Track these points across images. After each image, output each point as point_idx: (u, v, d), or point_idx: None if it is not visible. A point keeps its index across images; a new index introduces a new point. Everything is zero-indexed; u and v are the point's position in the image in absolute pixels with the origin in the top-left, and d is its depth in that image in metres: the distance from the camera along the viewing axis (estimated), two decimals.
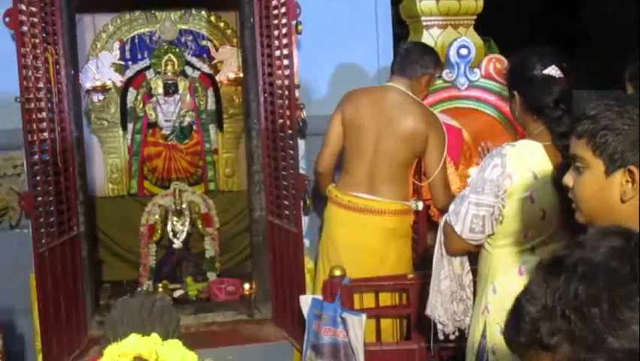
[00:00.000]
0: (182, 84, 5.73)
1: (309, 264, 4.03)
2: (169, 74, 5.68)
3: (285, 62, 3.98)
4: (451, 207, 2.45)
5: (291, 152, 3.96)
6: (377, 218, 3.41)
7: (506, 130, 4.25)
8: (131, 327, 1.64)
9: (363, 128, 3.38)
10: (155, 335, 1.61)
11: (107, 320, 1.71)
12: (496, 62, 4.24)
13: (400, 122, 3.36)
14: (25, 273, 3.92)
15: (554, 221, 2.34)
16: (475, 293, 2.60)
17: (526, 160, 2.36)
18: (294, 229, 3.96)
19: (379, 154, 3.37)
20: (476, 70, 4.24)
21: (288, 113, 3.96)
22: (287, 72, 3.97)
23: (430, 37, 4.69)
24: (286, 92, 3.98)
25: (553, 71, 2.37)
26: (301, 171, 3.98)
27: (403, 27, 5.11)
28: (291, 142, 3.96)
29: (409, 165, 3.49)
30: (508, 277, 2.37)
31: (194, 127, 5.74)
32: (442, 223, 2.52)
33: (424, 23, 4.71)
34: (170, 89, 5.65)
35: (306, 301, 3.45)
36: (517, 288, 2.26)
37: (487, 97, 4.29)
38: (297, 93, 3.93)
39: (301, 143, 4.03)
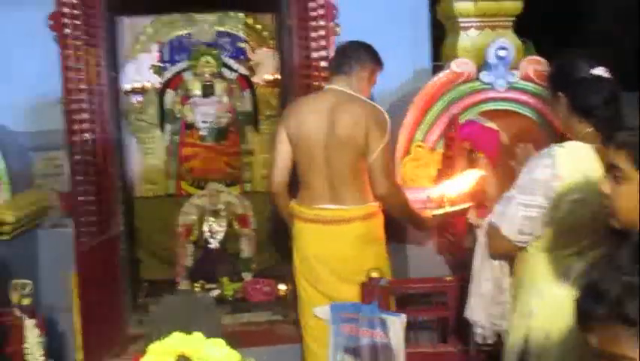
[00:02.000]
0: (219, 86, 5.78)
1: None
2: (206, 75, 5.73)
3: (323, 63, 3.99)
4: (497, 209, 2.42)
5: None
6: (347, 227, 3.26)
7: (545, 133, 4.21)
8: (174, 325, 1.65)
9: (309, 138, 3.24)
10: (198, 334, 1.63)
11: (150, 317, 1.74)
12: (535, 64, 4.20)
13: (340, 124, 3.23)
14: (66, 271, 3.98)
15: (602, 224, 2.31)
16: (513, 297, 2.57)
17: (576, 162, 2.33)
18: None
19: (331, 161, 3.23)
20: (515, 72, 4.21)
21: None
22: (324, 74, 3.97)
23: (468, 38, 4.65)
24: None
25: (601, 71, 2.35)
26: None
27: (439, 29, 5.08)
28: None
29: (364, 165, 3.28)
30: (554, 283, 2.33)
31: (231, 128, 5.78)
32: (485, 225, 2.50)
33: (462, 25, 4.67)
34: (208, 91, 5.71)
35: (321, 311, 3.33)
36: (564, 294, 2.25)
37: (525, 99, 4.24)
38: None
39: None
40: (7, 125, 4.56)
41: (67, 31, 3.89)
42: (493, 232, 2.43)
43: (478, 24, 4.64)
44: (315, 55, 4.05)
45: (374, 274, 3.28)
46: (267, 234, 5.50)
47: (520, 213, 2.33)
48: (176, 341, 1.60)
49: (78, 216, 3.88)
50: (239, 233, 5.27)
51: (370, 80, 3.50)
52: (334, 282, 3.28)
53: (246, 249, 5.26)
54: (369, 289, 3.21)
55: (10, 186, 4.15)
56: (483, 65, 4.26)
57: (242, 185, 5.72)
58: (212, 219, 5.21)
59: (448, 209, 3.56)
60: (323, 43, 3.99)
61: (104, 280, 4.10)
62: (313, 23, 4.04)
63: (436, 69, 4.93)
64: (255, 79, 5.80)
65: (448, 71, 4.26)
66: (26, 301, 3.11)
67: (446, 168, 4.12)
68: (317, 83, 4.02)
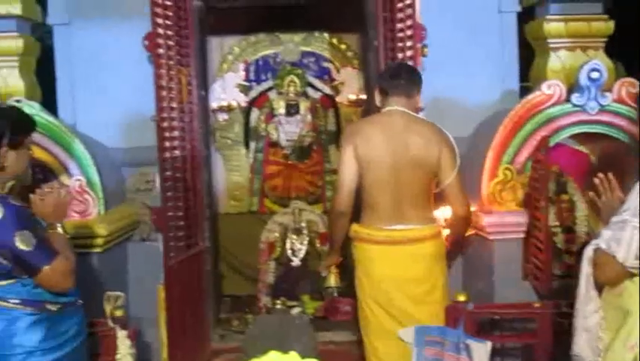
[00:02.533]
0: (304, 105, 5.84)
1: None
2: (291, 94, 5.80)
3: None
4: (607, 234, 2.34)
5: None
6: (418, 246, 3.25)
7: (637, 155, 4.09)
8: (271, 344, 1.68)
9: (380, 160, 3.22)
10: (293, 353, 1.64)
11: (246, 336, 1.77)
12: (629, 86, 4.09)
13: (412, 146, 3.22)
14: (153, 284, 4.08)
15: None
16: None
17: None
18: None
19: (402, 182, 3.22)
20: (608, 94, 4.11)
21: None
22: None
23: (558, 59, 4.59)
24: None
25: None
26: None
27: (528, 49, 5.01)
28: None
29: (431, 185, 3.33)
30: None
31: (314, 147, 5.83)
32: (589, 254, 2.41)
33: (551, 45, 4.61)
34: (292, 110, 5.78)
35: (406, 333, 3.29)
36: None
37: (618, 122, 4.14)
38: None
39: None
40: (102, 141, 4.75)
41: (161, 51, 4.00)
42: (605, 259, 2.33)
43: (569, 45, 4.57)
44: None
45: (460, 298, 3.24)
46: (349, 253, 5.49)
47: (637, 237, 2.26)
48: (273, 359, 1.62)
49: (167, 231, 3.97)
50: (320, 251, 5.29)
51: (418, 101, 3.49)
52: (408, 305, 3.26)
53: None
54: (456, 313, 3.18)
55: (103, 200, 4.31)
56: (574, 87, 4.18)
57: (324, 203, 5.75)
58: (294, 237, 5.25)
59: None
60: (410, 64, 3.98)
61: (190, 295, 4.18)
62: (400, 44, 4.03)
63: (524, 90, 4.88)
64: (338, 98, 5.84)
65: (537, 93, 4.20)
66: (119, 313, 3.19)
67: (534, 191, 4.05)
68: None
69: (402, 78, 3.36)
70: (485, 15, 4.80)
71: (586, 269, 2.41)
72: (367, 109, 4.53)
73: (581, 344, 2.46)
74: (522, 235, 4.12)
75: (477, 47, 4.76)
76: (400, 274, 3.24)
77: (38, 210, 2.54)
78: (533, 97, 4.22)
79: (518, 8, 4.88)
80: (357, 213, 3.38)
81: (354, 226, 3.34)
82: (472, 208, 3.62)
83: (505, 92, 4.85)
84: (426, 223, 3.27)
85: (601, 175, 2.61)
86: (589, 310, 2.42)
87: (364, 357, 3.48)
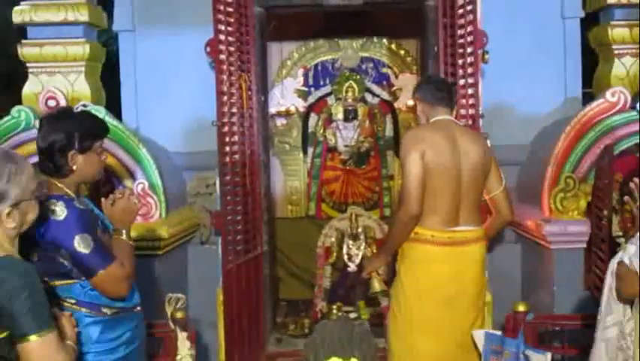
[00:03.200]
0: (362, 110, 5.85)
1: (487, 296, 3.93)
2: (349, 100, 5.82)
3: (470, 90, 3.96)
4: (632, 249, 2.29)
5: None
6: (476, 247, 3.40)
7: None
8: (332, 351, 1.69)
9: (445, 166, 3.33)
10: (354, 360, 1.66)
11: (308, 341, 1.79)
12: None
13: (472, 153, 3.39)
14: (212, 287, 4.15)
15: None
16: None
17: None
18: None
19: (463, 187, 3.36)
20: None
21: None
22: (471, 101, 3.94)
23: (622, 66, 4.50)
24: (469, 122, 3.95)
25: None
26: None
27: (591, 55, 4.93)
28: None
29: (483, 190, 3.50)
30: None
31: (372, 153, 5.83)
32: (613, 267, 2.36)
33: (616, 52, 4.52)
34: (350, 115, 5.80)
35: (478, 336, 3.34)
36: None
37: None
38: (480, 122, 3.89)
39: None
40: (164, 145, 4.84)
41: (222, 57, 4.06)
42: (628, 273, 2.29)
43: (634, 51, 4.47)
44: (461, 82, 4.02)
45: (520, 308, 3.21)
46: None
47: None
48: None
49: (226, 235, 4.03)
50: None
51: None
52: (463, 305, 3.36)
53: (384, 274, 5.25)
54: (515, 323, 3.14)
55: (165, 203, 4.39)
56: (638, 95, 4.10)
57: (381, 209, 5.75)
58: (351, 242, 5.26)
59: None
60: (470, 70, 3.96)
61: (247, 298, 4.22)
62: (460, 50, 4.02)
63: (587, 97, 4.79)
64: (397, 104, 5.83)
65: (601, 100, 4.13)
66: (179, 315, 3.25)
67: (597, 200, 3.97)
68: (463, 111, 3.99)
69: (446, 90, 3.52)
70: (548, 21, 4.74)
71: (609, 281, 2.38)
72: None
73: (598, 355, 2.42)
74: (584, 245, 4.05)
75: (539, 53, 4.70)
76: (462, 273, 3.36)
77: (107, 213, 2.60)
78: (597, 104, 4.14)
79: (582, 14, 4.81)
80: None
81: (416, 228, 3.37)
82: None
83: (568, 99, 4.77)
84: (477, 225, 3.42)
85: (637, 180, 2.55)
86: (609, 321, 2.38)
87: None
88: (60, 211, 2.42)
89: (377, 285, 4.44)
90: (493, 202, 3.54)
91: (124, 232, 2.59)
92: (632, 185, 2.57)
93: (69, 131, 2.52)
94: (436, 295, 3.35)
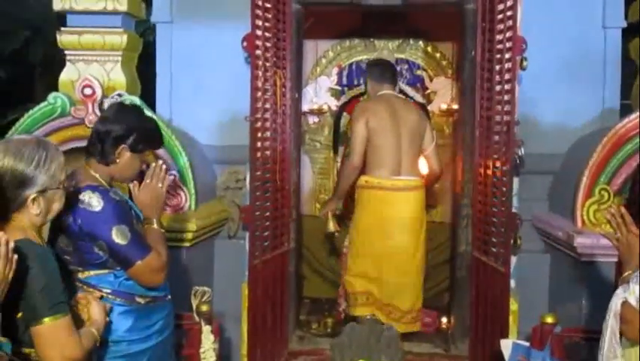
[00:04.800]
0: None
1: (513, 305, 3.92)
2: None
3: (506, 97, 3.90)
4: (637, 290, 2.19)
5: (504, 189, 3.88)
6: (415, 193, 4.41)
7: None
8: (359, 353, 1.68)
9: (386, 129, 4.37)
10: None
11: (335, 343, 1.77)
12: None
13: (409, 120, 4.45)
14: (238, 281, 4.15)
15: None
16: None
17: None
18: (501, 268, 3.86)
19: (403, 145, 4.38)
20: None
21: (504, 149, 3.88)
22: (507, 108, 3.89)
23: None
24: (504, 128, 3.90)
25: None
26: (513, 210, 3.88)
27: (630, 67, 4.85)
28: (504, 179, 3.87)
29: (420, 149, 4.51)
30: None
31: None
32: (616, 308, 2.24)
33: None
34: None
35: (506, 346, 3.34)
36: None
37: None
38: (515, 130, 3.85)
39: (515, 180, 3.93)
40: (196, 138, 4.86)
41: (258, 52, 4.06)
42: (634, 315, 2.17)
43: None
44: (497, 88, 3.97)
45: (548, 320, 3.16)
46: (432, 263, 5.44)
47: None
48: None
49: (254, 230, 4.03)
50: None
51: None
52: (404, 239, 4.34)
53: None
54: (543, 335, 3.10)
55: (195, 196, 4.40)
56: None
57: None
58: None
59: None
60: (507, 77, 3.90)
61: (272, 294, 4.22)
62: (498, 55, 3.96)
63: (625, 109, 4.72)
64: (430, 107, 5.78)
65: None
66: (205, 308, 3.26)
67: (631, 214, 3.90)
68: (498, 118, 3.94)
69: (390, 71, 4.66)
70: (589, 30, 4.67)
71: (611, 322, 2.26)
72: (461, 119, 4.46)
73: None
74: (616, 259, 3.98)
75: (578, 63, 4.63)
76: (403, 213, 4.35)
77: (137, 202, 2.61)
78: (635, 117, 4.07)
79: (624, 24, 4.73)
80: None
81: (365, 177, 4.40)
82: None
83: (606, 110, 4.71)
84: (416, 176, 4.46)
85: (612, 210, 2.46)
86: None
87: None
88: (96, 202, 2.44)
89: (332, 226, 4.81)
90: (426, 159, 4.59)
91: (155, 220, 2.60)
92: (607, 215, 2.49)
93: (131, 126, 2.55)
94: (382, 229, 4.31)
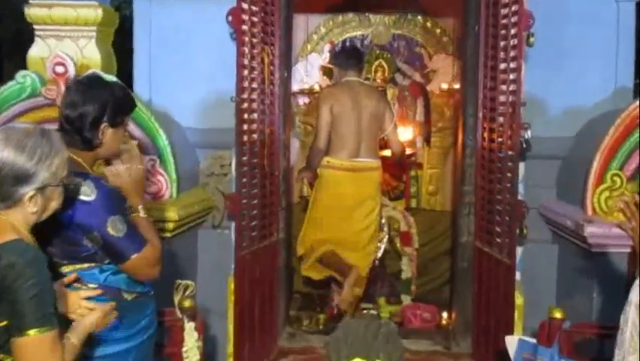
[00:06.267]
0: (391, 92, 5.82)
1: (518, 299, 3.93)
2: (378, 80, 5.78)
3: (511, 76, 3.89)
4: None
5: (509, 175, 3.88)
6: (373, 174, 4.93)
7: None
8: (356, 350, 1.67)
9: (348, 115, 4.84)
10: None
11: (330, 339, 1.76)
12: None
13: (369, 105, 4.89)
14: (223, 274, 4.15)
15: None
16: None
17: None
18: (505, 259, 3.87)
19: (362, 130, 4.88)
20: None
21: (509, 132, 3.87)
22: (512, 87, 3.89)
23: None
24: (509, 110, 3.90)
25: None
26: (519, 197, 3.89)
27: None
28: (510, 164, 3.87)
29: (378, 133, 4.99)
30: None
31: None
32: (636, 299, 2.23)
33: None
34: None
35: (511, 342, 3.33)
36: None
37: None
38: (521, 111, 3.84)
39: (521, 166, 3.94)
40: (177, 120, 4.83)
41: (244, 27, 4.02)
42: None
43: None
44: (502, 66, 3.96)
45: (556, 315, 3.17)
46: (431, 255, 5.46)
47: None
48: None
49: (240, 219, 4.02)
50: (400, 252, 5.26)
51: None
52: (358, 215, 4.90)
53: (407, 269, 5.23)
54: (551, 331, 3.10)
55: (176, 183, 4.39)
56: None
57: (407, 200, 5.72)
58: None
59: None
60: (513, 54, 3.89)
61: (261, 288, 4.22)
62: (503, 31, 3.95)
63: (639, 88, 4.72)
64: (429, 87, 5.79)
65: None
66: (188, 303, 3.23)
67: None
68: (503, 98, 3.93)
69: (355, 57, 5.01)
70: (600, 4, 4.66)
71: (632, 315, 2.23)
72: (462, 100, 4.45)
73: None
74: (629, 249, 3.99)
75: (589, 39, 4.63)
76: (359, 191, 4.90)
77: (118, 186, 2.57)
78: None
79: None
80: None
81: (327, 158, 4.89)
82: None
83: (618, 89, 4.70)
84: (374, 158, 4.95)
85: (626, 198, 2.45)
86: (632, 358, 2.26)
87: None
88: (89, 191, 2.38)
89: (306, 190, 5.46)
90: (387, 140, 5.11)
91: (140, 208, 2.58)
92: (620, 204, 2.49)
93: (104, 101, 2.48)
94: (339, 206, 4.87)
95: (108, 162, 2.65)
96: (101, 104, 2.47)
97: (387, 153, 5.36)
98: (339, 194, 4.93)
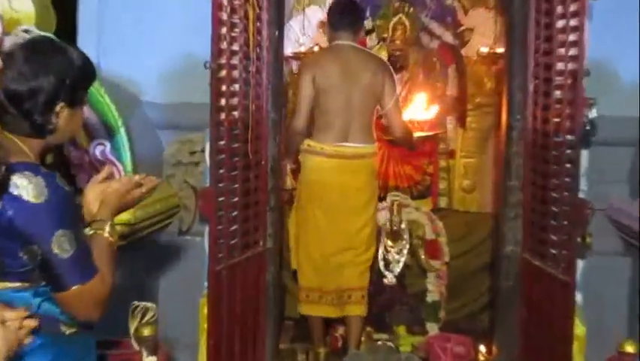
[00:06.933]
0: (414, 57, 5.82)
1: (579, 328, 3.95)
2: (397, 42, 5.79)
3: (571, 37, 3.91)
4: None
5: (568, 166, 3.90)
6: (364, 161, 5.00)
7: None
8: None
9: (335, 88, 4.91)
10: None
11: None
12: None
13: (362, 76, 4.94)
14: (194, 295, 4.16)
15: None
16: None
17: None
18: (563, 276, 3.88)
19: (352, 108, 4.93)
20: None
21: (568, 110, 3.89)
22: (572, 52, 3.90)
23: None
24: (569, 81, 3.91)
25: None
26: (581, 195, 3.90)
27: None
28: (569, 151, 3.89)
29: (374, 111, 5.07)
30: None
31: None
32: None
33: None
34: (397, 64, 5.76)
35: None
36: None
37: None
38: (584, 83, 3.85)
39: (583, 154, 3.96)
40: (134, 92, 4.84)
41: None
42: None
43: None
44: (560, 24, 3.98)
45: (628, 349, 3.20)
46: (466, 270, 5.47)
47: None
48: None
49: (216, 223, 4.03)
50: (425, 266, 5.28)
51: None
52: (348, 214, 4.96)
53: (434, 290, 5.25)
54: None
55: (132, 174, 4.39)
56: None
57: (435, 199, 5.74)
58: (389, 243, 5.25)
59: (419, 134, 5.63)
60: (573, 8, 3.91)
61: (243, 312, 4.23)
62: None
63: None
64: (464, 51, 5.80)
65: None
66: (147, 332, 3.24)
67: None
68: (561, 65, 3.95)
69: (349, 14, 5.01)
70: None
71: None
72: (507, 68, 4.46)
73: None
74: None
75: None
76: (346, 183, 4.94)
77: (86, 191, 2.59)
78: None
79: None
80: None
81: (308, 141, 4.98)
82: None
83: None
84: (368, 143, 5.01)
85: None
86: None
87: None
88: (37, 191, 2.34)
89: (288, 181, 5.63)
90: (385, 119, 5.15)
91: (108, 226, 2.56)
92: None
93: (60, 73, 2.43)
94: (322, 201, 4.94)
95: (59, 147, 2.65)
96: (57, 78, 2.44)
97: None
98: (323, 187, 4.98)
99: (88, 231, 2.52)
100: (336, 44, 5.02)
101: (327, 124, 4.95)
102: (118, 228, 3.49)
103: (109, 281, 2.47)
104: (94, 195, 2.59)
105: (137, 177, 2.66)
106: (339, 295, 4.95)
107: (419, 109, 5.82)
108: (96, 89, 4.35)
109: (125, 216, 4.23)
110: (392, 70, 5.15)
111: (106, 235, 2.52)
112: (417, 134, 5.58)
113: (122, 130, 4.41)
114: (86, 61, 2.54)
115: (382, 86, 4.98)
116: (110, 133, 4.39)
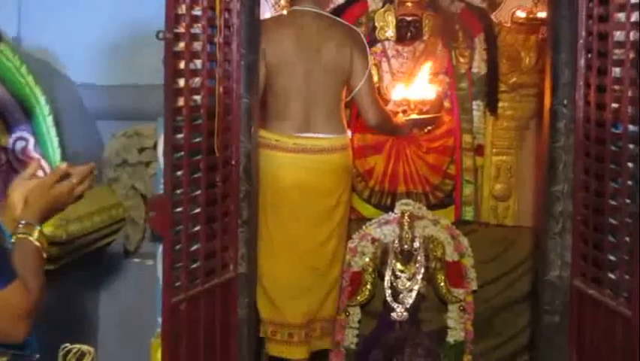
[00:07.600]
0: (429, 24, 5.84)
1: None
2: (408, 4, 5.81)
3: None
4: None
5: (631, 165, 3.91)
6: (332, 156, 5.13)
7: None
8: None
9: (289, 65, 5.08)
10: None
11: None
12: None
13: (324, 51, 5.09)
14: (143, 334, 4.17)
15: None
16: None
17: None
18: (625, 309, 3.90)
19: (313, 90, 5.09)
20: None
21: (630, 93, 3.90)
22: (635, 17, 3.92)
23: None
24: (630, 55, 3.93)
25: None
26: None
27: None
28: (632, 147, 3.90)
29: (342, 94, 5.22)
30: None
31: (446, 103, 5.84)
32: None
33: None
34: (409, 32, 5.79)
35: None
36: None
37: None
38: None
39: None
40: (65, 72, 4.85)
41: None
42: None
43: None
44: None
45: None
46: (499, 301, 5.49)
47: None
48: None
49: (172, 241, 4.04)
50: (445, 296, 5.30)
51: None
52: (309, 223, 5.09)
53: (457, 326, 5.28)
54: None
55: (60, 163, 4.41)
56: None
57: (458, 209, 5.76)
58: (398, 266, 5.28)
59: (414, 116, 5.71)
60: None
61: (207, 356, 4.25)
62: None
63: None
64: (495, 16, 5.82)
65: None
66: None
67: None
68: (621, 35, 3.96)
69: None
70: None
71: None
72: (552, 38, 4.49)
73: None
74: None
75: None
76: (308, 183, 5.06)
77: (11, 188, 2.62)
78: None
79: None
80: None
81: (261, 132, 4.89)
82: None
83: None
84: (336, 133, 5.16)
85: None
86: None
87: None
88: None
89: None
90: (356, 103, 5.39)
91: (36, 227, 2.60)
92: None
93: None
94: (280, 206, 5.06)
95: None
96: None
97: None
98: (278, 190, 5.06)
99: (13, 239, 2.56)
100: (292, 10, 5.17)
101: (283, 110, 5.10)
102: (52, 249, 3.55)
103: (35, 292, 2.52)
104: (19, 195, 2.63)
105: (64, 166, 2.68)
106: (310, 329, 5.06)
107: (430, 89, 5.82)
108: (15, 66, 4.36)
109: (56, 233, 4.25)
110: (364, 40, 5.29)
111: (32, 238, 2.57)
112: (412, 116, 5.66)
113: (49, 119, 4.41)
114: None
115: (350, 61, 5.11)
116: (32, 124, 4.40)
